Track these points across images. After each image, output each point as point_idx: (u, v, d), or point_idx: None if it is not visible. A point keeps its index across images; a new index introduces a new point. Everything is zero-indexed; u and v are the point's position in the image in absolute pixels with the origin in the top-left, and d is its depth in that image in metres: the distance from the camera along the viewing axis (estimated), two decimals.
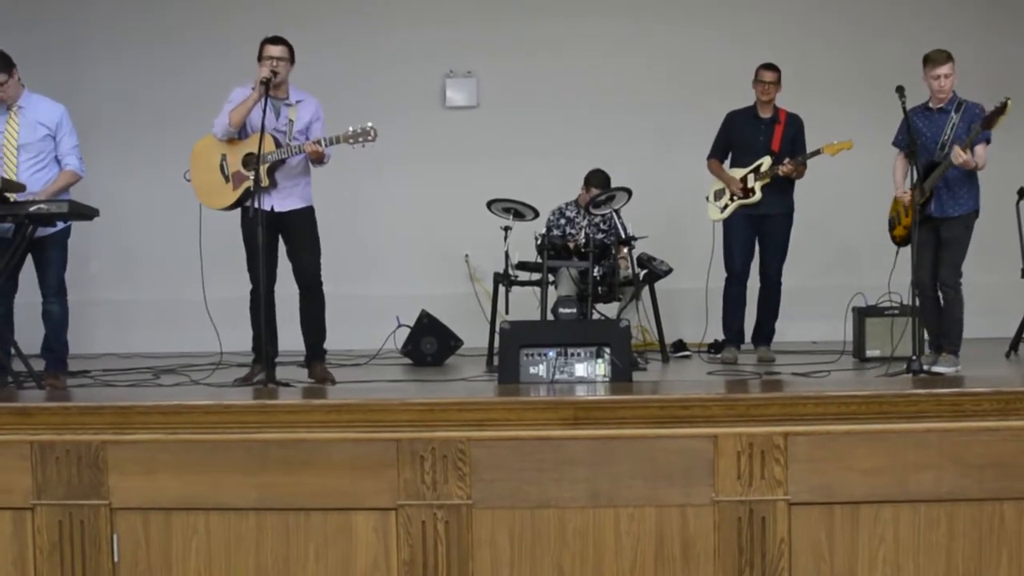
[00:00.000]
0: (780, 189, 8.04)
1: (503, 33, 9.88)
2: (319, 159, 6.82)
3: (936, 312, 7.02)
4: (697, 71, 9.55)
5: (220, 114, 6.92)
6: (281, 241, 7.05)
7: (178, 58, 9.91)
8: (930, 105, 7.05)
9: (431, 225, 9.87)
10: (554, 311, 7.62)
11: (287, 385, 6.62)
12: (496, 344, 7.36)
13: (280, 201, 6.90)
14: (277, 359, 6.99)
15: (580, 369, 6.43)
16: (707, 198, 8.24)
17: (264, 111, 6.68)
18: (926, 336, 7.18)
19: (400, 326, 8.58)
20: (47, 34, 9.91)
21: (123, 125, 9.87)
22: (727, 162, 8.29)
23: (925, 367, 6.67)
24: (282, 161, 6.83)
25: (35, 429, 5.72)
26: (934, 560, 5.59)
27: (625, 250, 8.35)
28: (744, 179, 8.05)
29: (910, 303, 6.80)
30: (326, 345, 7.23)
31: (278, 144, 6.80)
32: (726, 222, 8.15)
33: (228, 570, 5.70)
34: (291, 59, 6.91)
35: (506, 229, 8.38)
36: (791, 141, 8.06)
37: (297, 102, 6.97)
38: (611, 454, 5.57)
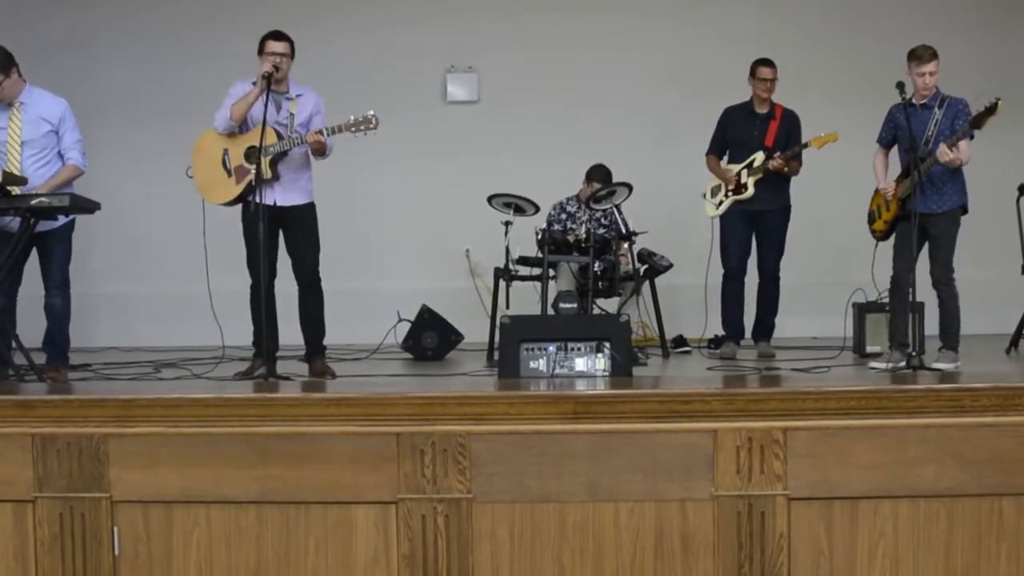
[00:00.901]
0: (775, 185, 8.04)
1: (504, 28, 9.87)
2: (321, 150, 6.83)
3: (906, 308, 7.01)
4: (698, 67, 9.55)
5: (221, 108, 6.93)
6: (281, 236, 7.05)
7: (181, 53, 9.90)
8: (913, 101, 7.05)
9: (432, 220, 9.86)
10: (554, 306, 7.63)
11: (288, 379, 6.63)
12: (496, 339, 7.36)
13: (283, 195, 6.91)
14: (277, 353, 6.99)
15: (580, 364, 6.44)
16: (704, 195, 8.26)
17: (266, 105, 6.69)
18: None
19: (401, 321, 8.57)
20: (52, 28, 9.90)
21: (126, 119, 9.86)
22: (725, 158, 8.29)
23: (887, 365, 6.71)
24: (284, 153, 6.84)
25: (37, 422, 5.74)
26: (933, 555, 5.61)
27: (625, 245, 8.35)
28: (738, 175, 8.05)
29: (912, 300, 6.80)
30: (326, 340, 7.23)
31: (280, 137, 6.81)
32: (722, 219, 8.15)
33: (229, 563, 5.72)
34: (292, 54, 6.92)
35: (507, 224, 8.39)
36: (786, 136, 8.06)
37: (298, 96, 6.98)
38: (611, 448, 5.59)
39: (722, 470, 5.57)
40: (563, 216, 8.87)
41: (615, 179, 8.54)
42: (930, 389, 5.72)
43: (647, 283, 8.48)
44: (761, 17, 9.77)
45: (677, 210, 8.95)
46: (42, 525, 5.73)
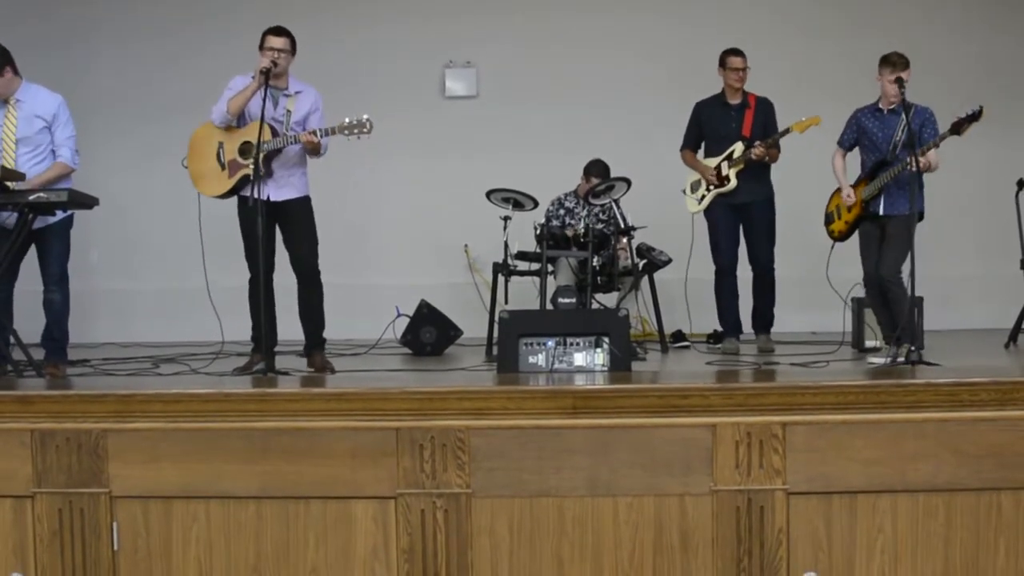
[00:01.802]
0: (756, 176, 8.03)
1: (503, 23, 9.88)
2: (315, 150, 6.83)
3: (887, 305, 7.04)
4: (696, 63, 9.51)
5: (219, 101, 6.93)
6: (278, 230, 7.05)
7: (180, 48, 9.91)
8: (880, 106, 7.07)
9: (431, 215, 9.88)
10: (553, 301, 7.63)
11: (286, 374, 6.64)
12: (495, 334, 7.36)
13: (276, 191, 6.91)
14: (276, 348, 6.99)
15: (579, 358, 6.44)
16: (683, 191, 8.24)
17: (264, 101, 6.69)
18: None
19: (400, 316, 8.58)
20: (50, 24, 9.91)
21: (125, 116, 9.87)
22: (700, 153, 8.28)
23: (885, 360, 6.75)
24: (278, 151, 6.84)
25: (36, 417, 5.73)
26: (932, 550, 5.60)
27: (624, 240, 8.35)
28: (718, 167, 8.04)
29: (910, 294, 6.80)
30: (325, 334, 7.24)
31: (275, 133, 6.81)
32: (708, 215, 8.14)
33: (228, 558, 5.71)
34: (292, 50, 6.92)
35: (505, 219, 8.39)
36: (762, 126, 8.05)
37: (296, 93, 6.98)
38: (610, 443, 5.59)
39: (721, 465, 5.57)
40: (561, 211, 8.88)
41: (613, 174, 8.55)
42: (928, 384, 5.71)
43: (646, 278, 8.48)
44: (760, 14, 9.80)
45: (676, 205, 8.93)
46: (41, 520, 5.72)
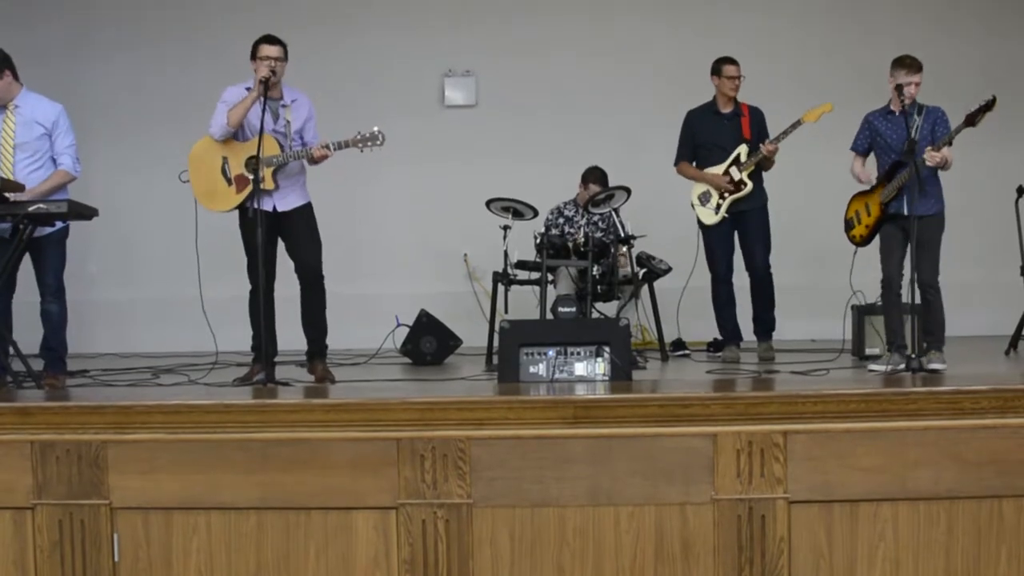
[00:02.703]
0: (754, 181, 8.00)
1: (502, 33, 9.89)
2: (323, 160, 6.84)
3: (900, 309, 7.03)
4: (696, 71, 9.52)
5: (216, 114, 6.91)
6: (280, 240, 7.05)
7: (177, 58, 9.92)
8: (891, 108, 7.07)
9: (430, 224, 9.88)
10: (553, 310, 7.62)
11: (287, 384, 6.63)
12: (495, 343, 7.35)
13: (281, 200, 6.90)
14: (276, 358, 6.99)
15: (580, 368, 6.44)
16: (692, 204, 8.17)
17: (263, 112, 6.69)
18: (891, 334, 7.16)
19: (399, 325, 8.58)
20: (47, 32, 9.92)
21: (122, 125, 9.87)
22: (694, 164, 8.25)
23: (886, 367, 6.73)
24: (285, 164, 6.84)
25: (36, 429, 5.73)
26: (933, 557, 5.60)
27: (624, 249, 8.35)
28: (728, 173, 8.01)
29: (910, 302, 6.80)
30: (327, 341, 7.22)
31: (281, 147, 6.81)
32: (705, 225, 8.10)
33: (229, 569, 5.71)
34: (286, 58, 6.91)
35: (505, 228, 8.39)
36: (757, 134, 8.04)
37: (292, 102, 6.97)
38: (611, 453, 5.59)
39: (722, 474, 5.57)
40: (561, 220, 8.88)
41: (612, 183, 8.54)
42: (929, 391, 5.72)
43: (646, 287, 8.48)
44: (759, 19, 9.80)
45: (676, 213, 8.93)
46: (41, 532, 5.72)
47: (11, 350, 6.88)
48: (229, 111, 6.84)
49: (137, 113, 9.91)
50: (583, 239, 8.14)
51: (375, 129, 6.73)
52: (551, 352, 6.44)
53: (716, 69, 8.07)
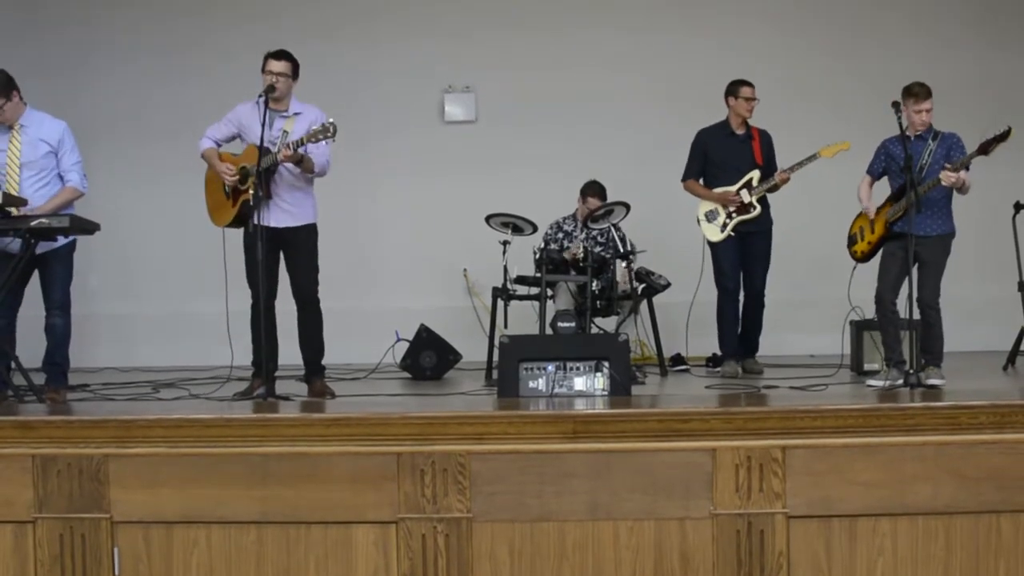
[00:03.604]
0: (762, 204, 8.05)
1: (501, 48, 9.91)
2: (299, 162, 6.82)
3: (895, 326, 7.06)
4: (696, 85, 9.57)
5: (212, 130, 7.01)
6: (282, 257, 7.07)
7: (180, 72, 9.94)
8: (908, 134, 7.10)
9: (430, 239, 9.89)
10: (553, 325, 7.64)
11: (287, 399, 6.64)
12: (495, 358, 7.37)
13: (279, 216, 6.91)
14: (277, 373, 7.00)
15: (579, 383, 6.45)
16: (698, 220, 8.18)
17: (263, 125, 6.72)
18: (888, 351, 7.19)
19: (399, 340, 8.59)
20: (49, 48, 9.94)
21: (124, 139, 9.89)
22: (701, 182, 8.27)
23: (884, 383, 6.75)
24: (272, 171, 6.84)
25: (37, 442, 5.75)
26: (931, 572, 5.62)
27: (623, 264, 8.36)
28: (738, 195, 8.04)
29: (908, 317, 6.83)
30: (324, 360, 7.24)
31: (267, 154, 6.83)
32: (714, 242, 8.13)
33: None
34: (293, 74, 6.94)
35: (504, 243, 8.41)
36: (767, 157, 8.09)
37: (296, 114, 6.99)
38: (610, 467, 5.60)
39: (721, 488, 5.59)
40: (560, 234, 8.90)
41: (612, 197, 8.57)
42: (927, 407, 5.74)
43: (645, 302, 8.49)
44: (760, 33, 9.83)
45: (675, 229, 8.96)
46: (42, 546, 5.74)
47: (12, 364, 6.90)
48: (207, 150, 6.98)
49: (138, 128, 9.93)
50: (582, 254, 8.16)
51: (328, 120, 6.67)
52: (551, 367, 6.45)
53: (732, 90, 8.08)
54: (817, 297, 9.16)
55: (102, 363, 9.33)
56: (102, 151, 9.30)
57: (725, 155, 8.09)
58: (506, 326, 8.12)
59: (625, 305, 8.41)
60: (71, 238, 6.99)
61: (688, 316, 8.43)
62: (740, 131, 8.10)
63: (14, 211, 6.74)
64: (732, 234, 8.02)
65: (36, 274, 7.02)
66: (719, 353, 8.34)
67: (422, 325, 8.43)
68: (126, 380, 8.17)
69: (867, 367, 7.80)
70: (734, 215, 7.99)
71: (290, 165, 6.84)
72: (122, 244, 9.57)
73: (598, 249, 8.57)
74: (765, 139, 8.12)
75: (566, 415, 5.74)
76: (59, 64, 9.85)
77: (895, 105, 6.93)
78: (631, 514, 5.61)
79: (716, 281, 8.14)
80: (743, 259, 8.10)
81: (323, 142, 6.75)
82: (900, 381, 6.68)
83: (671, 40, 9.92)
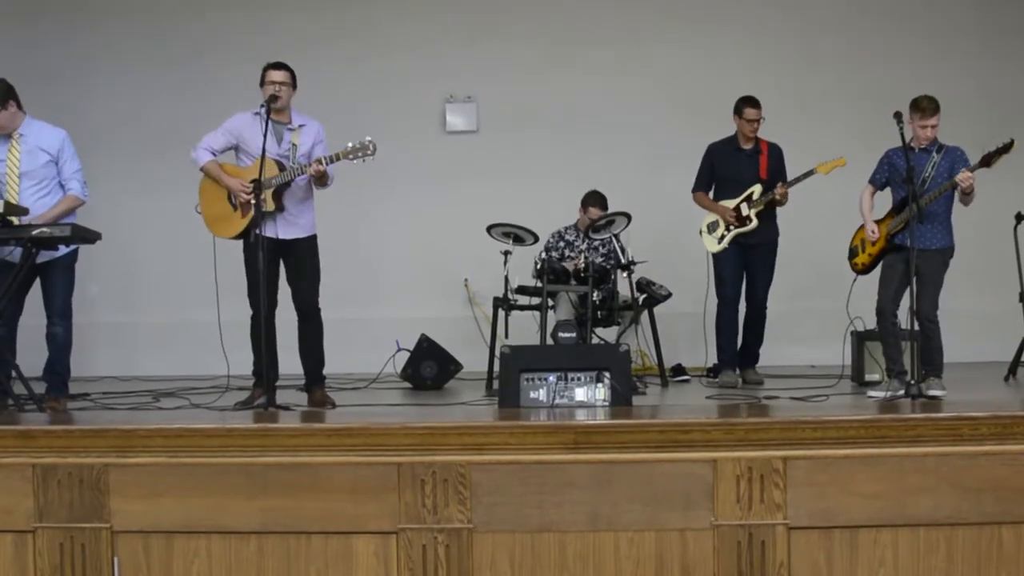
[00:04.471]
0: (767, 217, 8.08)
1: (503, 58, 9.93)
2: (323, 179, 6.85)
3: (896, 337, 7.07)
4: (697, 94, 9.59)
5: (208, 139, 6.99)
6: (282, 266, 7.07)
7: (180, 81, 9.96)
8: (912, 146, 7.11)
9: (431, 249, 9.89)
10: (554, 335, 7.64)
11: (288, 409, 6.63)
12: (496, 368, 7.37)
13: (285, 228, 6.91)
14: (277, 383, 6.99)
15: (580, 393, 6.45)
16: (701, 231, 8.23)
17: (265, 137, 6.72)
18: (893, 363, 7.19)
19: (400, 350, 8.59)
20: (49, 56, 9.95)
21: (123, 148, 9.90)
22: (711, 194, 8.30)
23: (886, 394, 6.76)
24: (287, 184, 6.86)
25: (38, 452, 5.75)
26: None
27: (624, 274, 8.36)
28: (737, 209, 8.07)
29: (909, 328, 6.83)
30: (325, 371, 7.24)
31: (282, 168, 6.83)
32: (713, 253, 8.16)
33: None
34: (293, 84, 6.95)
35: (506, 253, 8.41)
36: (775, 171, 8.11)
37: (300, 126, 7.01)
38: (611, 478, 5.60)
39: (722, 499, 5.58)
40: (561, 244, 8.90)
41: (613, 207, 8.57)
42: (928, 418, 5.74)
43: (646, 312, 8.49)
44: (761, 43, 9.84)
45: (676, 239, 8.97)
46: (42, 555, 5.73)
47: (13, 373, 6.90)
48: (207, 163, 6.95)
49: (138, 137, 9.94)
50: (583, 264, 8.16)
51: (367, 139, 6.71)
52: (551, 377, 6.45)
53: (738, 109, 8.13)
54: (818, 308, 9.14)
55: (102, 372, 9.34)
56: (102, 160, 9.30)
57: (731, 169, 8.16)
58: (507, 336, 8.12)
59: (626, 315, 8.41)
60: (73, 247, 6.99)
61: (703, 324, 8.41)
62: (747, 146, 8.14)
63: (15, 220, 6.74)
64: (728, 246, 8.05)
65: (37, 283, 7.03)
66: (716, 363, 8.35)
67: (423, 335, 8.43)
68: (126, 389, 8.17)
69: (868, 378, 7.80)
70: (732, 227, 8.04)
71: (303, 178, 6.85)
72: (123, 253, 9.56)
73: (599, 259, 8.57)
74: (774, 153, 8.15)
75: (567, 425, 5.73)
76: (58, 73, 9.87)
77: (897, 116, 6.93)
78: (632, 525, 5.60)
79: (716, 290, 8.18)
80: (746, 270, 8.13)
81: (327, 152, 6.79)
82: (901, 392, 6.68)
83: (673, 51, 9.93)
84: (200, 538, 5.71)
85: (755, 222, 8.01)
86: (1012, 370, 8.15)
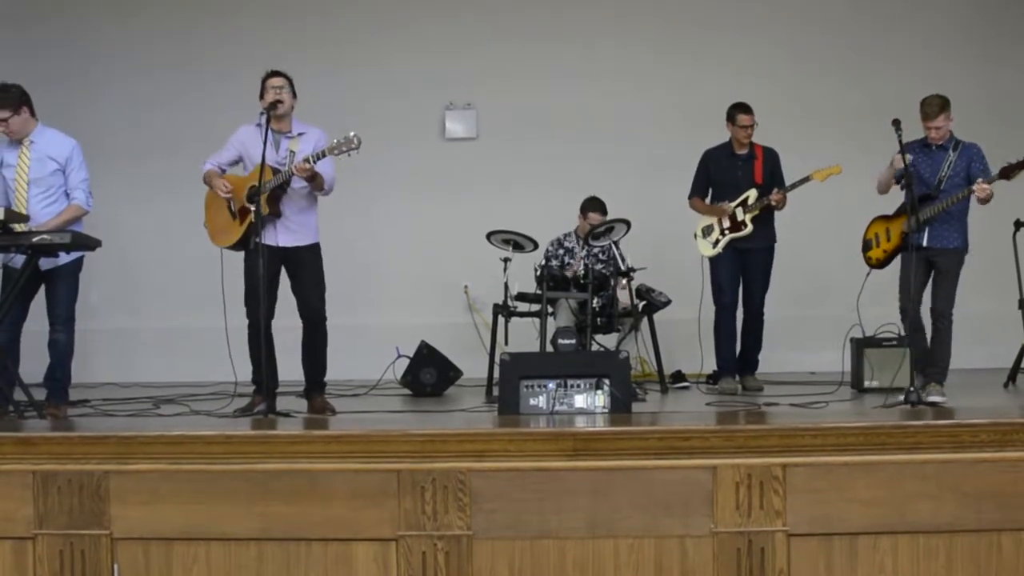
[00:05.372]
0: (764, 222, 8.09)
1: (502, 65, 9.94)
2: (315, 181, 6.83)
3: (923, 334, 7.09)
4: (697, 101, 9.60)
5: (215, 156, 7.05)
6: (284, 275, 7.07)
7: (182, 87, 9.97)
8: (928, 142, 7.13)
9: (431, 256, 9.90)
10: (553, 342, 7.64)
11: (287, 415, 6.64)
12: (496, 375, 7.37)
13: (286, 235, 6.93)
14: (277, 390, 7.00)
15: (580, 400, 6.45)
16: (695, 235, 8.26)
17: (264, 143, 6.72)
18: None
19: (400, 356, 8.60)
20: (52, 61, 9.96)
21: (125, 154, 9.90)
22: (707, 200, 8.31)
23: (929, 397, 6.78)
24: (282, 188, 6.86)
25: (37, 458, 5.73)
26: None
27: (624, 281, 8.37)
28: (733, 213, 8.08)
29: (907, 334, 6.84)
30: (325, 377, 7.24)
31: (277, 174, 6.84)
32: (713, 257, 8.18)
33: None
34: (292, 91, 6.96)
35: (505, 260, 8.42)
36: (770, 175, 8.13)
37: (300, 134, 7.02)
38: (610, 485, 5.59)
39: (721, 506, 5.57)
40: (561, 251, 8.91)
41: (612, 214, 8.58)
42: (928, 425, 5.73)
43: (645, 319, 8.50)
44: (761, 50, 9.86)
45: (676, 246, 8.97)
46: (42, 562, 5.71)
47: (14, 380, 6.90)
48: (206, 174, 7.02)
49: (139, 144, 9.95)
50: (583, 271, 8.17)
51: (351, 134, 6.68)
52: (551, 384, 6.45)
53: (730, 116, 8.16)
54: (817, 314, 9.18)
55: (102, 378, 9.33)
56: (103, 167, 9.25)
57: (727, 174, 8.18)
58: (507, 343, 8.13)
59: (626, 322, 8.42)
60: (78, 255, 6.99)
61: (698, 332, 8.42)
62: (742, 151, 8.16)
63: (17, 227, 6.75)
64: (722, 251, 8.06)
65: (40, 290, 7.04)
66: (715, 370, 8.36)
67: (423, 342, 8.44)
68: (127, 396, 8.18)
69: (867, 384, 7.80)
70: (727, 232, 8.05)
71: (301, 183, 6.85)
72: (123, 259, 9.58)
73: (599, 266, 8.58)
74: (769, 157, 8.16)
75: (566, 432, 5.73)
76: (60, 79, 9.86)
77: (895, 123, 6.95)
78: (631, 531, 5.59)
79: (713, 297, 8.19)
80: (742, 275, 8.14)
81: (328, 159, 6.77)
82: (941, 397, 6.71)
83: (673, 58, 9.95)
84: (200, 545, 5.70)
85: (750, 227, 8.02)
86: (1012, 377, 8.16)
